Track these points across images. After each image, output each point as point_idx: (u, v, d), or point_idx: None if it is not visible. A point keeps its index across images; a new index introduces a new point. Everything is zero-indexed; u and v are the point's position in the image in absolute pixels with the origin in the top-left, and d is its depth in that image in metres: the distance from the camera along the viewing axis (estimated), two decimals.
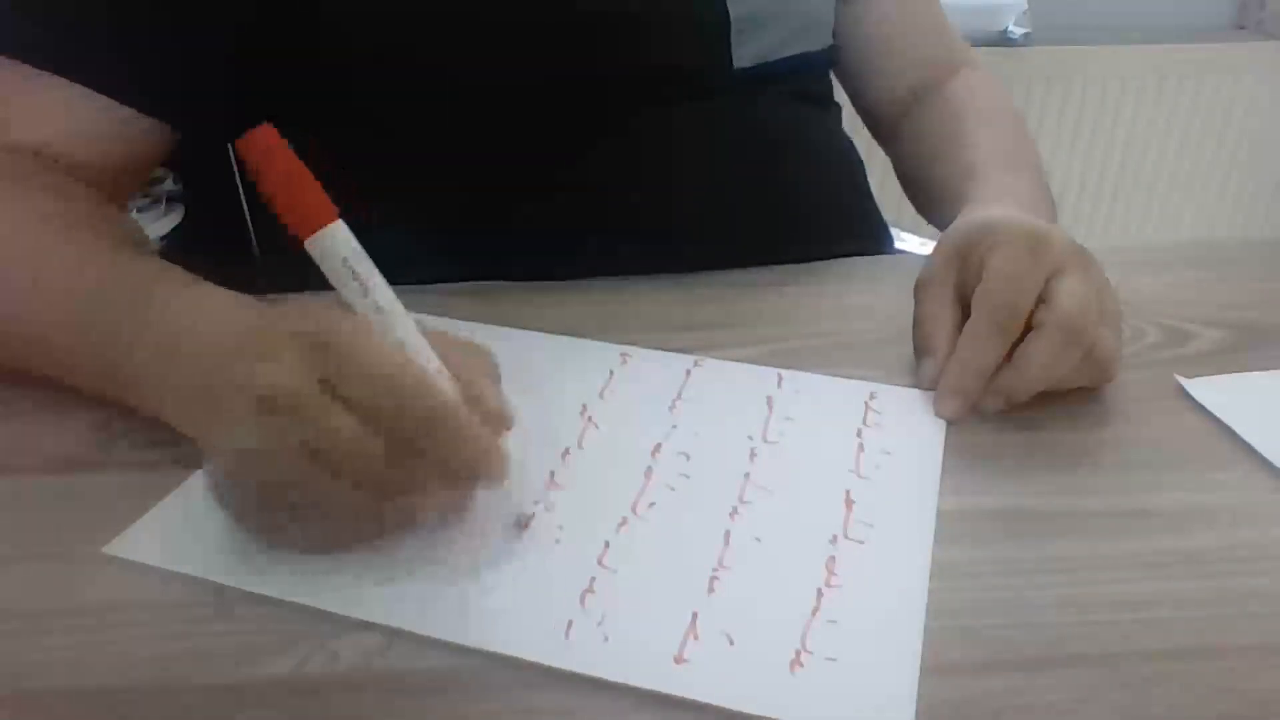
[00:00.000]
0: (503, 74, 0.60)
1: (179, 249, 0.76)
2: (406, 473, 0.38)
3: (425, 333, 0.40)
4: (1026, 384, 0.49)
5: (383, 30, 0.59)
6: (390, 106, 0.61)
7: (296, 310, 0.40)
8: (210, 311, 0.45)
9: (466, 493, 0.42)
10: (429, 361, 0.39)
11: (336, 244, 0.38)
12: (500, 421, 0.40)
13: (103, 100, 0.56)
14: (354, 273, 0.39)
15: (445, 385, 0.39)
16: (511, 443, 0.40)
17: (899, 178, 0.80)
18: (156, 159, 0.62)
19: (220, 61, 0.58)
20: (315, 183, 0.38)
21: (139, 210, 1.14)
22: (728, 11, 0.64)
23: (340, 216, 0.38)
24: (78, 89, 0.55)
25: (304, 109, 0.60)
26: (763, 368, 0.54)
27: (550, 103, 0.62)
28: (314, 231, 0.38)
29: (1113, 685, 0.36)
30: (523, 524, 0.42)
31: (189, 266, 0.49)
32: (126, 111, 0.57)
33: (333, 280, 0.39)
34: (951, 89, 0.76)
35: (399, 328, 0.39)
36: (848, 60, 0.79)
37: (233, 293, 0.47)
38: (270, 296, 0.46)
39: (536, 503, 0.43)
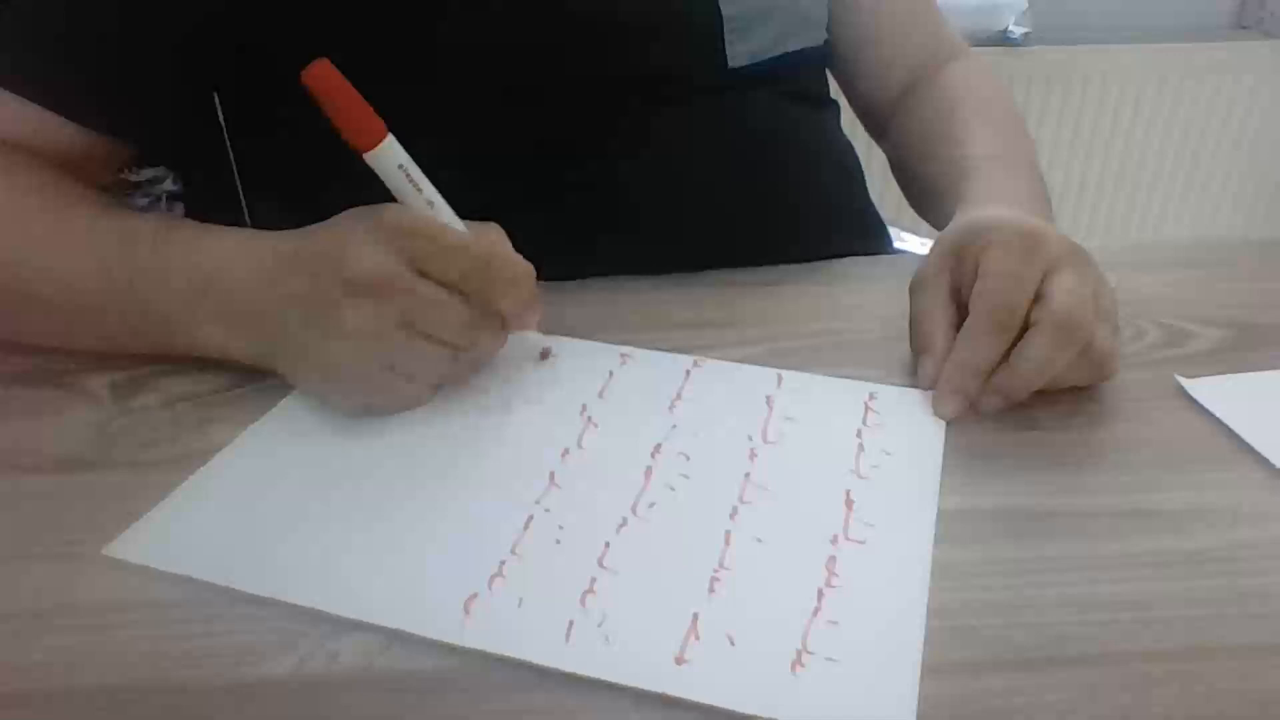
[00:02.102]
0: (496, 78, 0.60)
1: None
2: (481, 325, 0.47)
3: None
4: (1024, 382, 0.49)
5: (373, 35, 0.59)
6: (385, 109, 0.61)
7: (353, 213, 0.47)
8: (238, 242, 0.50)
9: (506, 336, 0.50)
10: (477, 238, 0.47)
11: (393, 154, 0.46)
12: (530, 275, 0.49)
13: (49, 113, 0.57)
14: (408, 175, 0.46)
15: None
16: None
17: (893, 171, 0.79)
18: (119, 162, 0.63)
19: (176, 84, 0.60)
20: (368, 105, 0.45)
21: (139, 210, 1.14)
22: (719, 11, 0.64)
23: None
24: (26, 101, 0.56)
25: (298, 115, 0.60)
26: (762, 368, 0.54)
27: (545, 106, 0.61)
28: (373, 146, 0.45)
29: (1113, 685, 0.36)
30: (545, 355, 0.54)
31: None
32: (70, 123, 0.58)
33: (391, 183, 0.46)
34: (944, 82, 0.75)
35: (447, 216, 0.48)
36: (840, 54, 0.79)
37: (244, 229, 0.52)
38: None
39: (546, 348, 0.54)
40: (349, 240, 0.46)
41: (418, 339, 0.46)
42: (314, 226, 0.48)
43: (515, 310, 0.49)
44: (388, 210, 0.46)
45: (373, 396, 0.48)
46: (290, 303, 0.47)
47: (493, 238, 0.49)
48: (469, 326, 0.47)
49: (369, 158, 0.45)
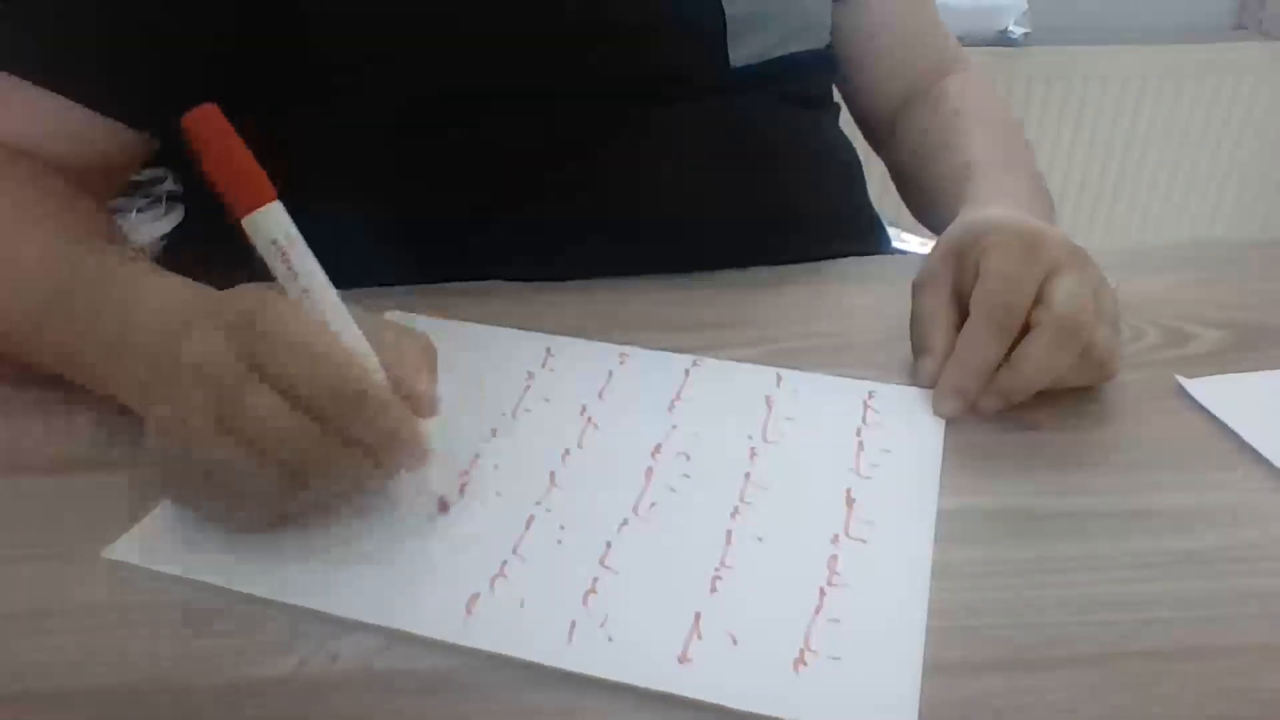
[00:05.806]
0: (500, 79, 0.60)
1: (179, 249, 0.76)
2: (324, 450, 0.38)
3: (359, 317, 0.40)
4: (1025, 383, 0.49)
5: (373, 39, 0.59)
6: (385, 112, 0.61)
7: (235, 292, 0.41)
8: (160, 299, 0.46)
9: (384, 474, 0.41)
10: (356, 343, 0.40)
11: (268, 225, 0.39)
12: (422, 405, 0.40)
13: (84, 109, 0.57)
14: (282, 254, 0.39)
15: (370, 366, 0.39)
16: (435, 428, 0.41)
17: (894, 179, 0.80)
18: (136, 162, 0.62)
19: (203, 70, 0.58)
20: (255, 163, 0.38)
21: (139, 210, 1.14)
22: (723, 11, 0.64)
23: (282, 198, 0.39)
24: (60, 97, 0.56)
25: (295, 115, 0.60)
26: (762, 367, 0.54)
27: (548, 107, 0.62)
28: (249, 211, 0.38)
29: (1113, 685, 0.36)
30: (443, 507, 0.43)
31: (189, 266, 0.50)
32: (107, 120, 0.57)
33: (266, 259, 0.39)
34: (945, 90, 0.76)
35: (325, 310, 0.39)
36: (843, 64, 0.79)
37: (189, 281, 0.47)
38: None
39: (461, 487, 0.44)
40: (193, 323, 0.39)
41: (238, 447, 0.38)
42: (224, 291, 0.42)
43: (374, 440, 0.39)
44: (247, 294, 0.40)
45: (195, 506, 0.42)
46: (147, 380, 0.41)
47: (402, 350, 0.41)
48: (310, 446, 0.38)
49: (246, 223, 0.39)
